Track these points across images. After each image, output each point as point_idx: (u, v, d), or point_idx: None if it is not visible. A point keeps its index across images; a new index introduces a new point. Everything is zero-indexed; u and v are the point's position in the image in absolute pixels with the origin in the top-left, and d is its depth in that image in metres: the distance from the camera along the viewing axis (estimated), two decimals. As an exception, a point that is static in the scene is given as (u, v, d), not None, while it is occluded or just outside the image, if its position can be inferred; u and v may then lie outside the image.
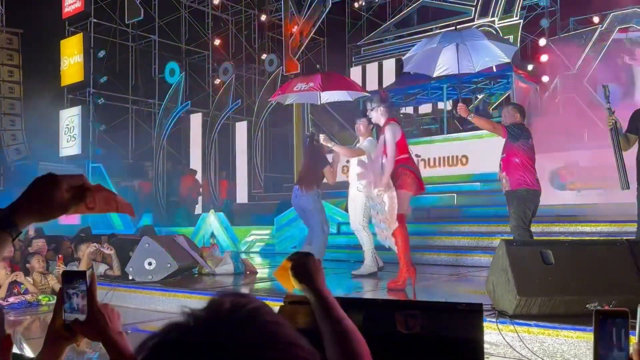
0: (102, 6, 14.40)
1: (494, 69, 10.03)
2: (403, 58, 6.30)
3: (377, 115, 5.43)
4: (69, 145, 14.17)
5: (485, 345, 3.43)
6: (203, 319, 0.62)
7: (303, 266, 1.31)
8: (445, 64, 5.88)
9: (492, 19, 12.85)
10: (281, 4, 14.79)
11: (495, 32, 5.75)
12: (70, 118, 14.14)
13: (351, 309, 1.47)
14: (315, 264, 1.32)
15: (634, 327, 1.17)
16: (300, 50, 14.42)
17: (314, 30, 14.38)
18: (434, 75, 6.21)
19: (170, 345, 0.61)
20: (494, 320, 3.44)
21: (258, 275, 6.79)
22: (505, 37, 10.29)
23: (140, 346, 0.62)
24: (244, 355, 0.59)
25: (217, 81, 15.61)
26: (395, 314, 1.37)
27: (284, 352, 0.61)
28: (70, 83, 14.30)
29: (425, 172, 10.85)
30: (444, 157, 10.84)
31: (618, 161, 4.56)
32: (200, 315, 0.63)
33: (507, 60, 6.22)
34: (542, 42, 11.92)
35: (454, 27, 6.45)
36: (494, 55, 5.86)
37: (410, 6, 14.69)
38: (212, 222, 10.57)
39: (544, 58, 11.83)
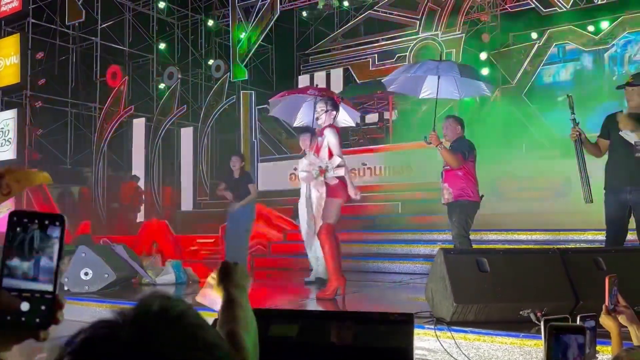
0: (42, 6, 13.87)
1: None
2: (383, 80, 6.54)
3: (328, 118, 5.27)
4: (4, 149, 13.54)
5: (423, 352, 3.50)
6: (131, 318, 0.66)
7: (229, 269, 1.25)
8: (430, 88, 6.04)
9: (436, 32, 13.21)
10: (229, 10, 14.69)
11: (473, 68, 6.07)
12: (5, 121, 13.52)
13: (286, 320, 1.47)
14: (240, 270, 1.26)
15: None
16: (248, 57, 14.35)
17: (262, 38, 14.33)
18: (419, 97, 6.41)
19: (98, 341, 0.64)
20: (432, 327, 3.51)
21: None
22: (464, 63, 10.55)
23: (68, 340, 0.64)
24: (169, 354, 0.64)
25: (162, 86, 15.31)
26: (330, 325, 1.37)
27: (206, 352, 0.67)
28: (6, 85, 13.70)
29: (370, 180, 11.03)
30: (388, 166, 11.00)
31: (582, 174, 4.42)
32: (130, 314, 0.67)
33: (489, 94, 6.69)
34: (483, 56, 12.33)
35: (439, 58, 6.71)
36: (478, 87, 6.21)
37: (357, 17, 14.92)
38: (155, 231, 10.33)
39: (484, 72, 12.24)
